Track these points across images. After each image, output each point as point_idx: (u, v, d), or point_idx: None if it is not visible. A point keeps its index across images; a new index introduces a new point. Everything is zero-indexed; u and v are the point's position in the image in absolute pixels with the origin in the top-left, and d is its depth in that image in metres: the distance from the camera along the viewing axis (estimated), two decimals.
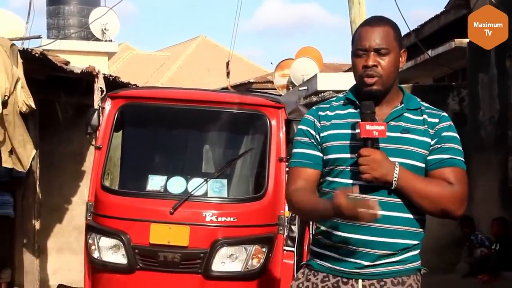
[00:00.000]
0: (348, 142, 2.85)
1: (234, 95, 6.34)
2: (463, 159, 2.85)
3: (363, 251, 2.80)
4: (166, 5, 73.17)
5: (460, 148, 2.86)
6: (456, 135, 2.88)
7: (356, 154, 2.77)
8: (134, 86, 9.28)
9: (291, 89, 18.18)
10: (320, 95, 14.48)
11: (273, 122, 5.69)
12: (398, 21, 2.96)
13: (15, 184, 8.82)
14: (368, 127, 2.74)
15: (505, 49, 8.98)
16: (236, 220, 5.44)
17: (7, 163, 6.90)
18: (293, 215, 5.67)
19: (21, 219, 8.57)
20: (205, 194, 5.56)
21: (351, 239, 2.81)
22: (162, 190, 5.61)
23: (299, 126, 2.99)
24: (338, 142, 2.87)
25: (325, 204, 2.77)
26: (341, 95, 3.02)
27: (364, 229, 2.78)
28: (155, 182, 5.66)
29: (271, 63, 45.30)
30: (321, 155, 2.90)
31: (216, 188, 5.57)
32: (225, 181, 5.65)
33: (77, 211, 9.59)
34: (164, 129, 6.18)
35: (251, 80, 21.98)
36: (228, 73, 17.94)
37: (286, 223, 5.60)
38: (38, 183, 8.25)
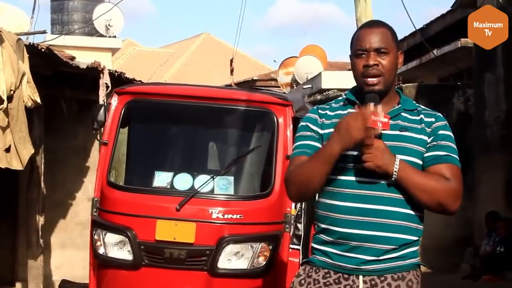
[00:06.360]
0: None
1: (242, 92, 6.32)
2: (457, 157, 2.92)
3: (364, 246, 2.83)
4: (172, 2, 72.96)
5: (455, 147, 2.94)
6: (451, 134, 2.95)
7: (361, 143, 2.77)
8: (140, 82, 9.27)
9: (294, 87, 18.16)
10: (324, 93, 14.47)
11: (280, 120, 5.67)
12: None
13: None
14: (373, 117, 2.76)
15: None
16: (242, 217, 5.42)
17: (1, 161, 6.76)
18: (299, 213, 5.64)
19: (25, 214, 8.55)
20: (212, 191, 5.54)
21: (352, 235, 2.83)
22: (168, 186, 5.59)
23: (301, 123, 3.02)
24: None
25: (326, 143, 2.81)
26: (340, 98, 3.07)
27: (364, 224, 2.81)
28: (161, 179, 5.64)
29: (274, 61, 45.27)
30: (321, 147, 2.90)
31: (223, 185, 5.55)
32: (231, 178, 5.63)
33: (80, 206, 9.58)
34: (171, 126, 6.15)
35: (255, 78, 21.95)
36: (232, 70, 17.92)
37: (292, 221, 5.57)
38: (42, 178, 8.23)
